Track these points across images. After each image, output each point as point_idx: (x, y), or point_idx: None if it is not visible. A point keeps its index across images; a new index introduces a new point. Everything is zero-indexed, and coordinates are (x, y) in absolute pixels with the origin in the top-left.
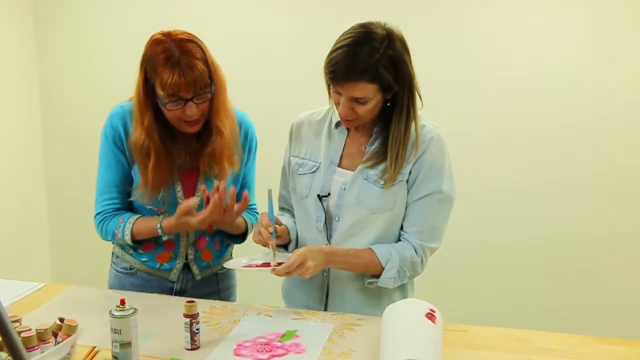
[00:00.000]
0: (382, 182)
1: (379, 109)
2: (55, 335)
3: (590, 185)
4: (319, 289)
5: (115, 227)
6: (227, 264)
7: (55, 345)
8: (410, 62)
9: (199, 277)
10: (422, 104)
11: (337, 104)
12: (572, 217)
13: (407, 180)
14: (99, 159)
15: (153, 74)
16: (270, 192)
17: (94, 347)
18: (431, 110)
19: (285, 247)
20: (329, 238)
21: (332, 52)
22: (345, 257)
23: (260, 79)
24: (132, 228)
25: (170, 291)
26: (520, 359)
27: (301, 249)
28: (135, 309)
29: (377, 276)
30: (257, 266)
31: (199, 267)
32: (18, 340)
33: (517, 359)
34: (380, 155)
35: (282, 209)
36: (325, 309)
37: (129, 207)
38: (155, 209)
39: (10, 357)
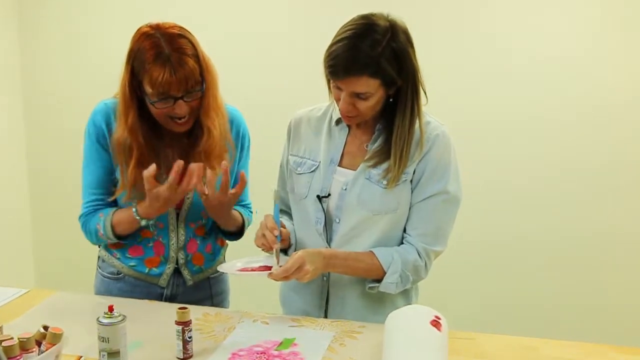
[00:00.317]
0: (385, 182)
1: (382, 105)
2: (38, 344)
3: (594, 186)
4: (318, 294)
5: (97, 223)
6: (221, 268)
7: (38, 354)
8: (415, 55)
9: (190, 282)
10: (427, 100)
11: (338, 100)
12: (582, 221)
13: (411, 180)
14: (82, 158)
15: (141, 70)
16: (276, 192)
17: (80, 357)
18: (434, 107)
19: (284, 251)
20: (328, 241)
21: (332, 45)
22: (346, 261)
23: (259, 76)
24: (111, 219)
25: (159, 297)
26: None
27: (299, 252)
28: (124, 316)
29: (379, 281)
30: (253, 270)
31: (190, 271)
32: None
33: None
34: (383, 154)
35: (280, 210)
36: (325, 316)
37: (115, 206)
38: None
39: None
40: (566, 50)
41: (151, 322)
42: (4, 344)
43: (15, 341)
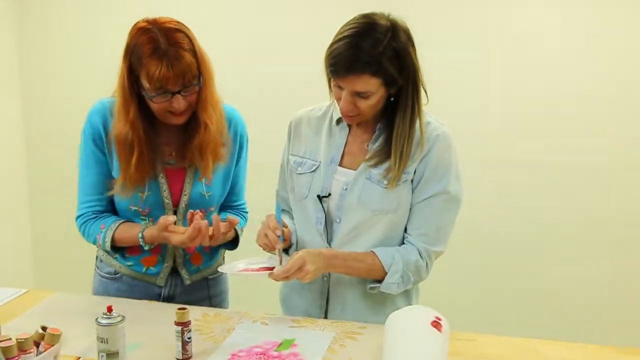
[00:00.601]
0: (385, 182)
1: (383, 105)
2: (37, 344)
3: (596, 185)
4: (318, 294)
5: (97, 233)
6: (222, 269)
7: (37, 355)
8: (416, 55)
9: (188, 282)
10: (428, 100)
11: (338, 99)
12: (584, 221)
13: (412, 180)
14: (79, 159)
15: (138, 65)
16: (278, 192)
17: (79, 358)
18: (434, 106)
19: (285, 251)
20: (329, 241)
21: (333, 43)
22: (346, 261)
23: (259, 76)
24: (112, 235)
25: (157, 297)
26: None
27: (300, 252)
28: (123, 316)
29: (380, 281)
30: (253, 270)
31: (188, 271)
32: None
33: None
34: (384, 154)
35: (281, 210)
36: (326, 316)
37: (111, 208)
38: (140, 209)
39: None
40: (566, 50)
41: (151, 323)
42: (2, 344)
43: (14, 342)
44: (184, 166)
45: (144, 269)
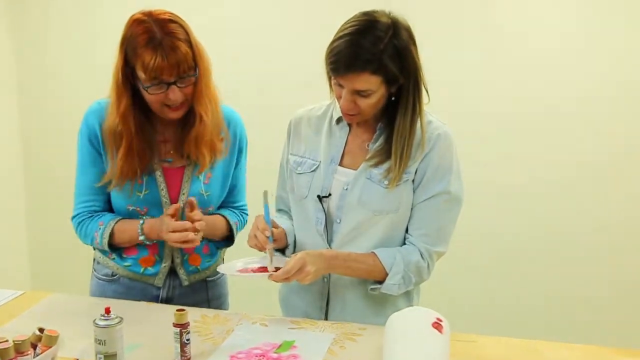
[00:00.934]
0: (386, 182)
1: (383, 104)
2: (34, 346)
3: (598, 185)
4: (319, 295)
5: (95, 230)
6: (220, 269)
7: (34, 357)
8: (417, 53)
9: (186, 283)
10: (429, 99)
11: (339, 98)
12: (585, 222)
13: (413, 180)
14: (77, 158)
15: (133, 55)
16: (266, 193)
17: (76, 359)
18: (435, 106)
19: (282, 251)
20: (329, 241)
21: (333, 41)
22: (347, 262)
23: (259, 76)
24: (111, 231)
25: (155, 299)
26: None
27: (300, 253)
28: (121, 318)
29: (381, 282)
30: (252, 271)
31: (186, 271)
32: None
33: None
34: (385, 153)
35: (279, 210)
36: (326, 317)
37: (108, 208)
38: (138, 208)
39: None
40: (567, 50)
41: (149, 325)
42: None
43: (10, 344)
44: (182, 165)
45: (141, 270)
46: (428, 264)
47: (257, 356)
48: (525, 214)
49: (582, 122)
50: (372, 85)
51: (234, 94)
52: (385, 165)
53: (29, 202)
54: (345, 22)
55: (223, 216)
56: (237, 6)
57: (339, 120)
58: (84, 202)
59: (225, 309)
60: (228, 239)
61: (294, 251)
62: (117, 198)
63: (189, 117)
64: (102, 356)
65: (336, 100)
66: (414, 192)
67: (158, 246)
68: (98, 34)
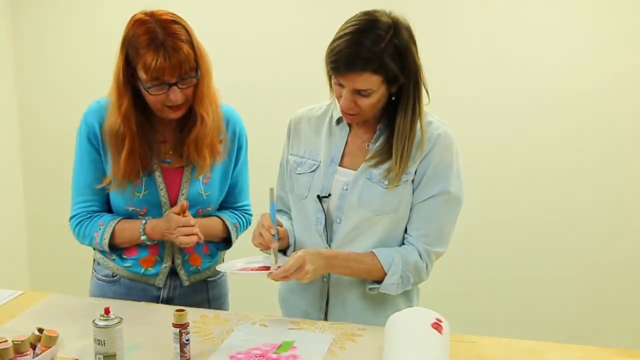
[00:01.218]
0: (386, 182)
1: (383, 104)
2: (33, 346)
3: (598, 186)
4: (318, 295)
5: (95, 230)
6: (220, 267)
7: (33, 357)
8: (417, 52)
9: (187, 283)
10: (429, 99)
11: (339, 97)
12: (586, 222)
13: (413, 181)
14: (74, 158)
15: (135, 56)
16: (272, 191)
17: None
18: (435, 106)
19: (283, 252)
20: (329, 241)
21: (334, 40)
22: (346, 262)
23: (258, 75)
24: (112, 230)
25: (156, 299)
26: None
27: (299, 252)
28: (120, 318)
29: (379, 282)
30: (252, 270)
31: (186, 271)
32: None
33: None
34: (385, 153)
35: (279, 210)
36: (325, 318)
37: (106, 208)
38: (137, 209)
39: None
40: (569, 50)
41: (148, 325)
42: None
43: (10, 344)
44: (181, 165)
45: (142, 270)
46: (427, 264)
47: (256, 356)
48: (525, 214)
49: (583, 122)
50: (373, 85)
51: (233, 92)
52: (385, 166)
53: (28, 202)
54: (345, 22)
55: (220, 218)
56: (236, 6)
57: (339, 121)
58: (82, 203)
59: (225, 309)
60: (226, 242)
61: (294, 251)
62: (116, 198)
63: (189, 118)
64: (101, 356)
65: (336, 100)
66: (413, 192)
67: (158, 246)
68: (98, 34)
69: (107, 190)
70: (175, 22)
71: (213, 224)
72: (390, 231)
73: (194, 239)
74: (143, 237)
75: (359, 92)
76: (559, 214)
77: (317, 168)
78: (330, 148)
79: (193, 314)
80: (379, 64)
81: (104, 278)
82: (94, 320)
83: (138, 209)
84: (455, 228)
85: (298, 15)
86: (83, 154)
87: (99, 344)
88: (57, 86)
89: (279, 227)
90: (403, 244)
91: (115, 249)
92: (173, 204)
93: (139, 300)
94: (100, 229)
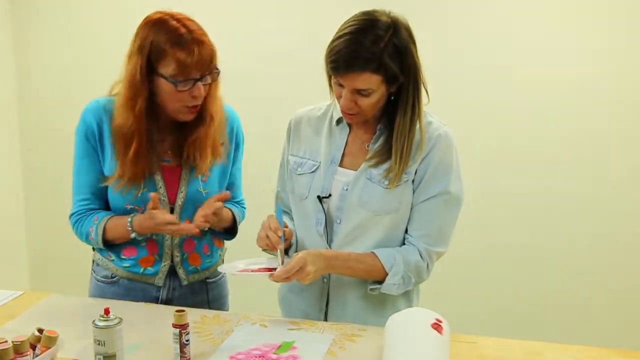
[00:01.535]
0: (386, 182)
1: (383, 104)
2: (33, 347)
3: (596, 187)
4: (318, 296)
5: (90, 226)
6: (222, 268)
7: (33, 358)
8: (417, 52)
9: (185, 283)
10: (429, 99)
11: (339, 97)
12: (586, 223)
13: (413, 181)
14: (73, 157)
15: (159, 53)
16: (278, 193)
17: None
18: (435, 106)
19: (285, 251)
20: (329, 242)
21: (333, 40)
22: (347, 262)
23: (258, 75)
24: (104, 226)
25: (155, 300)
26: None
27: (300, 253)
28: (120, 318)
29: (380, 282)
30: (253, 271)
31: (185, 270)
32: None
33: None
34: (385, 153)
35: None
36: (326, 318)
37: (105, 206)
38: (136, 207)
39: None
40: (568, 50)
41: (148, 325)
42: None
43: (10, 344)
44: (179, 164)
45: (141, 270)
46: (427, 264)
47: (256, 357)
48: (525, 214)
49: (583, 122)
50: (373, 85)
51: (232, 92)
52: (385, 166)
53: (28, 203)
54: (345, 22)
55: (228, 208)
56: (235, 5)
57: (339, 121)
58: (82, 201)
59: (225, 311)
60: (230, 232)
61: (296, 251)
62: (116, 197)
63: (194, 120)
64: (101, 357)
65: (336, 101)
66: (414, 192)
67: (157, 246)
68: (98, 35)
69: (114, 189)
70: (192, 20)
71: (225, 213)
72: (391, 231)
73: (194, 230)
74: (133, 235)
75: (358, 92)
76: (559, 214)
77: (317, 168)
78: (330, 148)
79: (193, 315)
80: (378, 63)
81: (103, 279)
82: (93, 321)
83: (137, 207)
84: (455, 228)
85: (297, 14)
86: (81, 153)
87: (98, 344)
88: (57, 86)
89: (285, 229)
90: (403, 244)
91: (111, 245)
92: (172, 203)
93: (138, 301)
94: (94, 224)
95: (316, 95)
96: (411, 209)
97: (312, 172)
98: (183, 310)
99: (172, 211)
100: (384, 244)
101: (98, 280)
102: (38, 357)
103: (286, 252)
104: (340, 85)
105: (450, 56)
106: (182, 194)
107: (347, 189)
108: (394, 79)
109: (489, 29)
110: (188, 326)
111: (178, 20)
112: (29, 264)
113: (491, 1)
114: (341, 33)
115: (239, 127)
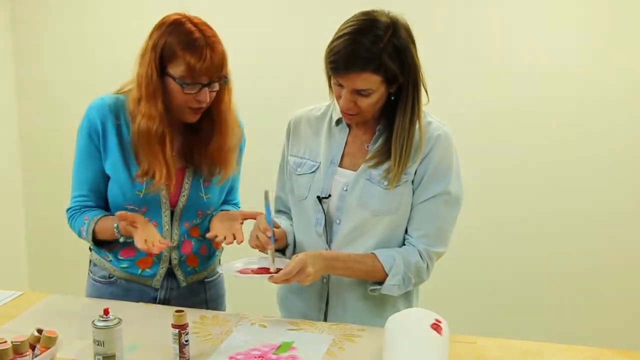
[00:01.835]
0: (385, 183)
1: (383, 104)
2: (32, 347)
3: (596, 187)
4: (318, 296)
5: (81, 225)
6: (220, 269)
7: (32, 358)
8: (416, 52)
9: (184, 284)
10: (429, 99)
11: (338, 97)
12: (586, 223)
13: (413, 181)
14: (75, 153)
15: (171, 54)
16: (267, 193)
17: None
18: (435, 106)
19: (282, 251)
20: (329, 242)
21: (333, 40)
22: (347, 263)
23: (257, 75)
24: (94, 227)
25: (153, 300)
26: None
27: (300, 255)
28: (119, 319)
29: (380, 283)
30: (252, 271)
31: (183, 272)
32: None
33: None
34: (384, 154)
35: (278, 211)
36: (325, 319)
37: (102, 204)
38: (136, 207)
39: None
40: (567, 50)
41: (148, 326)
42: None
43: (9, 345)
44: (184, 167)
45: (139, 271)
46: (427, 264)
47: (256, 357)
48: (525, 214)
49: (584, 122)
50: (372, 85)
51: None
52: (385, 166)
53: (27, 204)
54: (344, 22)
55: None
56: (235, 6)
57: (338, 122)
58: (79, 197)
59: (222, 310)
60: None
61: (294, 251)
62: (116, 196)
63: (207, 125)
64: (100, 357)
65: (335, 101)
66: (413, 192)
67: None
68: (99, 35)
69: (149, 190)
70: (209, 25)
71: None
72: (390, 232)
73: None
74: (122, 239)
75: (358, 92)
76: (559, 214)
77: (317, 169)
78: (330, 149)
79: (192, 315)
80: (378, 63)
81: (101, 279)
82: (93, 321)
83: (137, 208)
84: (455, 228)
85: (297, 15)
86: (83, 150)
87: (98, 344)
88: (57, 86)
89: (275, 229)
90: (403, 244)
91: (107, 243)
92: (173, 205)
93: (136, 302)
94: (84, 223)
95: (316, 95)
96: (411, 209)
97: (312, 172)
98: (182, 311)
99: (172, 214)
100: (383, 244)
101: (95, 281)
102: (37, 358)
103: (283, 252)
104: (340, 86)
105: (450, 56)
106: (184, 197)
107: (346, 190)
108: (394, 79)
109: (489, 29)
110: (187, 326)
111: (195, 24)
112: (28, 265)
113: (491, 1)
114: (341, 33)
115: (242, 132)
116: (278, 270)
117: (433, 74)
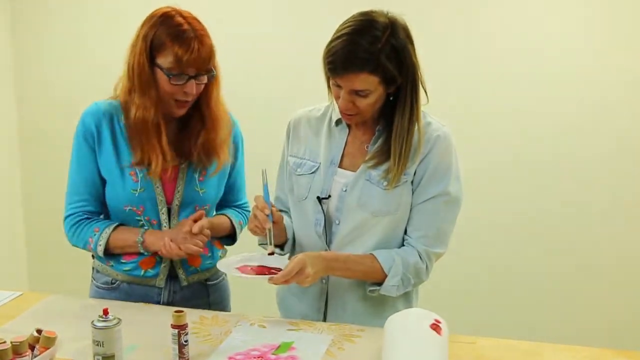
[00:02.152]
0: (385, 183)
1: (381, 104)
2: (32, 348)
3: (596, 187)
4: (317, 297)
5: (90, 236)
6: (220, 266)
7: (32, 358)
8: (415, 52)
9: (185, 283)
10: (428, 100)
11: (337, 98)
12: (586, 223)
13: (412, 182)
14: (70, 158)
15: (160, 45)
16: (264, 172)
17: None
18: (434, 106)
19: (281, 247)
20: (328, 243)
21: (331, 41)
22: (346, 264)
23: (257, 76)
24: (107, 240)
25: (156, 304)
26: None
27: (299, 255)
28: (119, 319)
29: (380, 284)
30: (252, 269)
31: (185, 271)
32: None
33: None
34: (383, 154)
35: (279, 211)
36: (324, 319)
37: (102, 209)
38: (134, 208)
39: None
40: (567, 50)
41: (147, 326)
42: None
43: (8, 345)
44: (177, 163)
45: (142, 272)
46: (427, 265)
47: (255, 357)
48: (524, 215)
49: (584, 122)
50: (370, 85)
51: (231, 93)
52: (384, 167)
53: (27, 204)
54: (342, 22)
55: (226, 216)
56: (235, 7)
57: (338, 122)
58: (77, 202)
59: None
60: (231, 238)
61: (294, 247)
62: (113, 199)
63: (194, 122)
64: (100, 357)
65: (335, 101)
66: (413, 193)
67: None
68: (98, 36)
69: (151, 174)
70: (197, 20)
71: (221, 221)
72: (390, 232)
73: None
74: (142, 250)
75: (356, 93)
76: (559, 214)
77: (317, 169)
78: (329, 149)
79: (192, 315)
80: (376, 64)
81: (104, 286)
82: (92, 322)
83: (135, 208)
84: (454, 228)
85: (297, 15)
86: (79, 154)
87: (97, 345)
88: (56, 87)
89: (272, 208)
90: (403, 245)
91: (110, 255)
92: (169, 203)
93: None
94: (95, 234)
95: (315, 95)
96: (410, 209)
97: (312, 173)
98: (182, 311)
99: (169, 211)
100: (383, 245)
101: (98, 287)
102: (37, 358)
103: (282, 247)
104: (338, 86)
105: (449, 56)
106: (179, 193)
107: (345, 190)
108: (392, 80)
109: (489, 29)
110: (187, 327)
111: (184, 17)
112: (28, 265)
113: (491, 1)
114: (339, 34)
115: (237, 129)
116: (277, 270)
117: (433, 74)
